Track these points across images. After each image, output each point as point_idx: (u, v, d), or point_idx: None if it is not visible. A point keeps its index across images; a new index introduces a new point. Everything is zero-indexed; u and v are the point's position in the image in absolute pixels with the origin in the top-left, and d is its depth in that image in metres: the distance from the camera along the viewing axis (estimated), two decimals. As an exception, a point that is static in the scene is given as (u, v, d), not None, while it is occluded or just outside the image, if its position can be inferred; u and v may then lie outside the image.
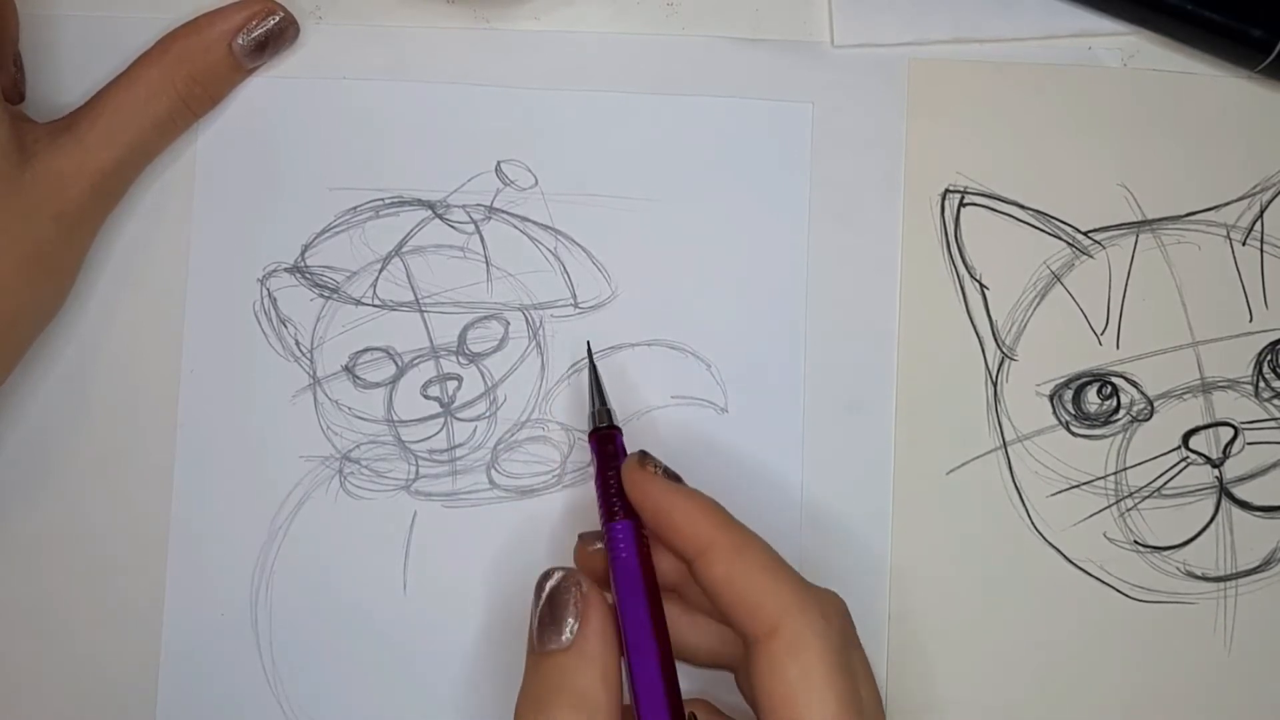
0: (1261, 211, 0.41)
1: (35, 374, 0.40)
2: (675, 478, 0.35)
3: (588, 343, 0.39)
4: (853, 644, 0.33)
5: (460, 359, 0.41)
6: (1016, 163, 0.41)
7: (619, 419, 0.38)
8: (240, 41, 0.39)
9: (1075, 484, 0.41)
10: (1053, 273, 0.41)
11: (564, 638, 0.32)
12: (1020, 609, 0.40)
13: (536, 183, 0.41)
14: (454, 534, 0.40)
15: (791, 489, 0.40)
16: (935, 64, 0.41)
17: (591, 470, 0.37)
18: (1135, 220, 0.41)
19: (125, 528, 0.40)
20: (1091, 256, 0.41)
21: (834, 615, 0.32)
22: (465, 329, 0.41)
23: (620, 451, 0.37)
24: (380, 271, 0.41)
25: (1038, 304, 0.41)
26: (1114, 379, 0.41)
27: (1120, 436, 0.41)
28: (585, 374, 0.40)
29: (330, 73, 0.41)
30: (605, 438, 0.37)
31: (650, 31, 0.41)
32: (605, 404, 0.38)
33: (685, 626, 0.36)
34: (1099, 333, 0.41)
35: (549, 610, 0.33)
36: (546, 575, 0.33)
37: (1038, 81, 0.41)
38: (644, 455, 0.35)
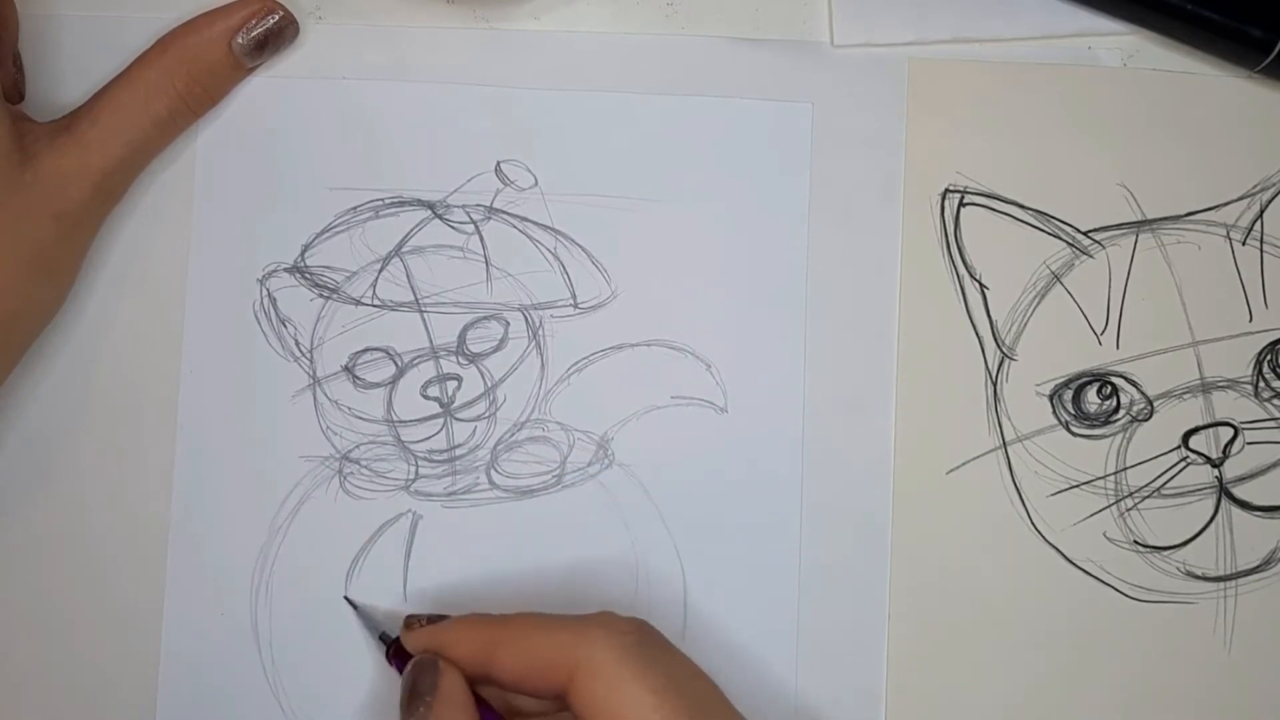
0: (1261, 211, 0.41)
1: (35, 374, 0.40)
2: (440, 618, 0.36)
3: (346, 598, 0.40)
4: (650, 642, 0.34)
5: (460, 359, 0.41)
6: (1016, 163, 0.41)
7: (391, 631, 0.38)
8: (240, 40, 0.39)
9: (1075, 484, 0.41)
10: (1053, 273, 0.41)
11: (421, 709, 0.33)
12: (1020, 609, 0.40)
13: (536, 183, 0.41)
14: (453, 534, 0.40)
15: (791, 489, 0.40)
16: (935, 64, 0.41)
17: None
18: (1135, 220, 0.41)
19: (125, 528, 0.40)
20: (1091, 256, 0.41)
21: (615, 627, 0.34)
22: (465, 329, 0.41)
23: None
24: (380, 271, 0.41)
25: (1038, 304, 0.41)
26: (1114, 379, 0.41)
27: (1120, 436, 0.41)
28: (583, 375, 0.40)
29: (330, 73, 0.41)
30: (399, 651, 0.37)
31: (650, 31, 0.41)
32: (381, 629, 0.39)
33: None
34: (1099, 333, 0.41)
35: (410, 687, 0.34)
36: (410, 662, 0.35)
37: (1038, 81, 0.41)
38: (408, 619, 0.36)
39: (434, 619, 0.36)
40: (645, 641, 0.34)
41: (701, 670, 0.34)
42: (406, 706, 0.34)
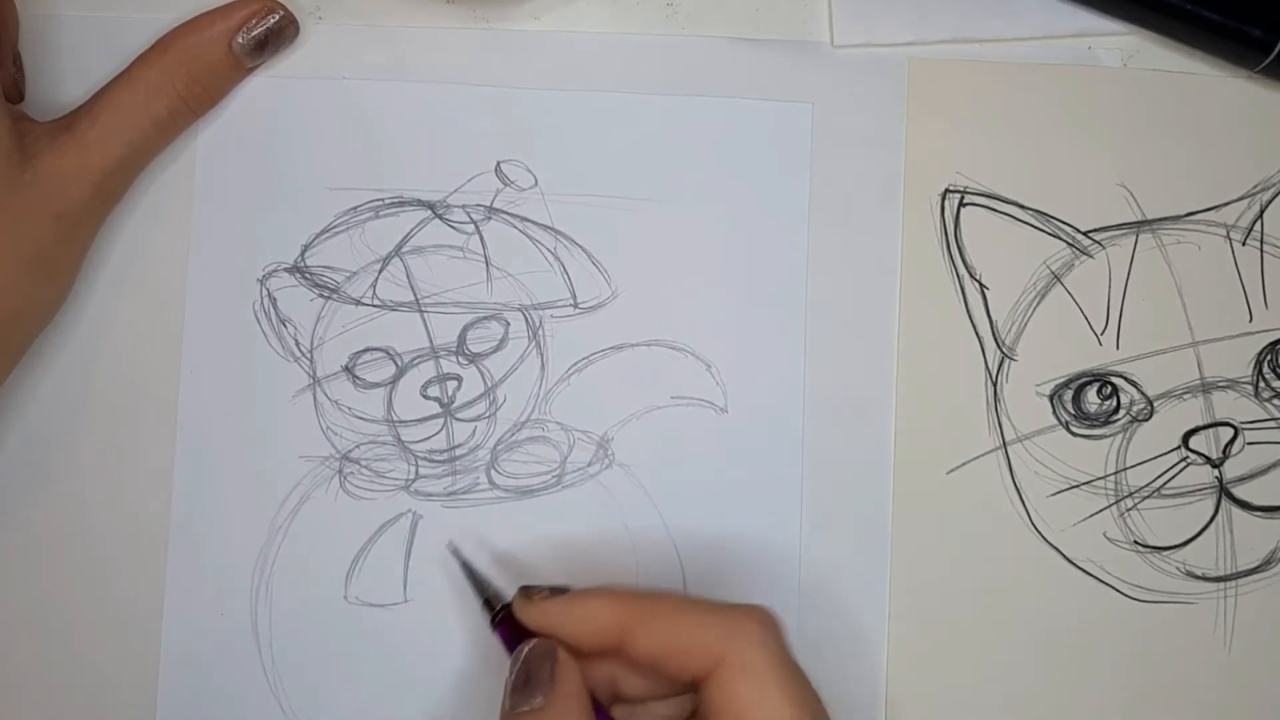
0: (1261, 211, 0.41)
1: (35, 374, 0.40)
2: (559, 590, 0.35)
3: (450, 542, 0.39)
4: (790, 648, 0.33)
5: (460, 359, 0.41)
6: (1016, 163, 0.41)
7: (506, 596, 0.37)
8: (240, 40, 0.39)
9: (1075, 484, 0.41)
10: (1053, 273, 0.41)
11: (536, 701, 0.32)
12: (1020, 609, 0.40)
13: (536, 183, 0.41)
14: (454, 534, 0.40)
15: (791, 489, 0.40)
16: (935, 64, 0.41)
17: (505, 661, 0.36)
18: (1135, 220, 0.41)
19: (125, 528, 0.40)
20: (1091, 256, 0.41)
21: (768, 626, 0.33)
22: (465, 329, 0.41)
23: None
24: (380, 271, 0.41)
25: (1038, 304, 0.41)
26: (1114, 379, 0.41)
27: (1120, 436, 0.41)
28: (583, 375, 0.40)
29: (330, 73, 0.41)
30: (508, 618, 0.36)
31: (650, 31, 0.41)
32: (490, 589, 0.38)
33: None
34: (1099, 333, 0.41)
35: (523, 675, 0.33)
36: (524, 644, 0.34)
37: (1038, 81, 0.41)
38: (523, 591, 0.35)
39: (556, 591, 0.35)
40: (789, 648, 0.33)
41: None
42: (518, 694, 0.33)
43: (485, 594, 0.38)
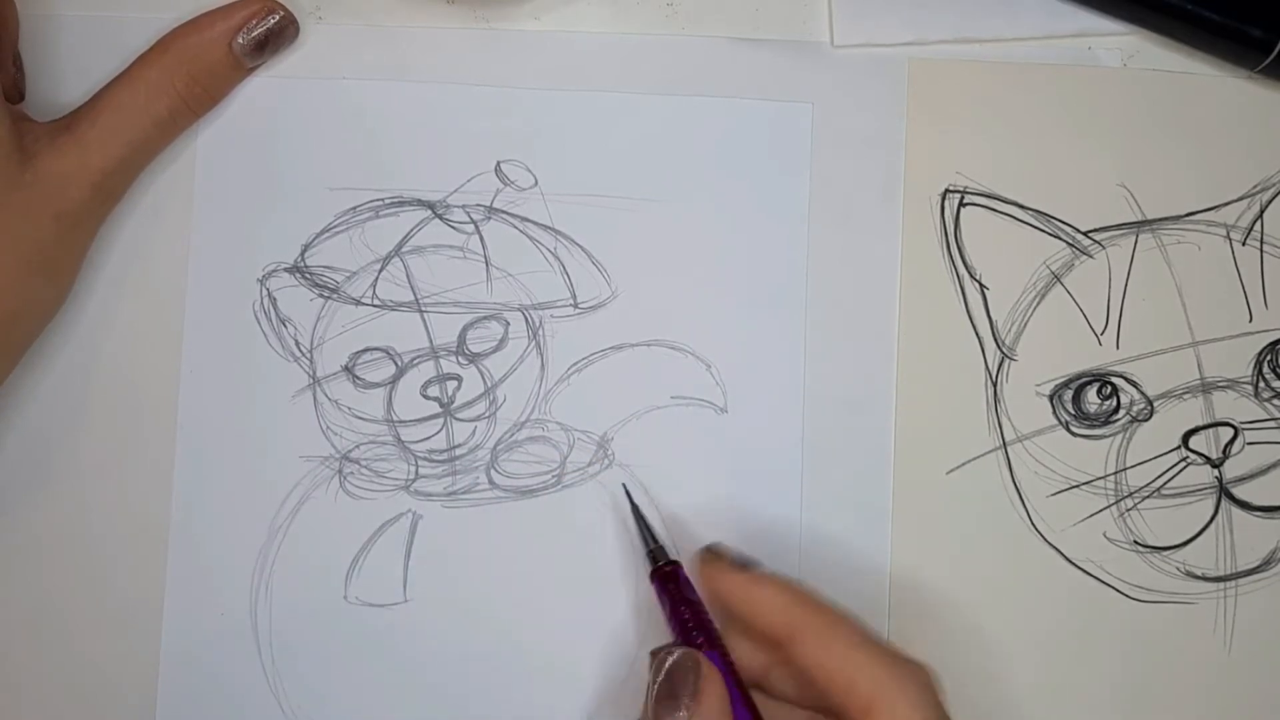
0: (1261, 211, 0.41)
1: (35, 374, 0.40)
2: (746, 563, 0.35)
3: (624, 485, 0.39)
4: (944, 717, 0.33)
5: (460, 359, 0.41)
6: (1016, 163, 0.41)
7: (674, 552, 0.37)
8: (240, 40, 0.39)
9: (1075, 484, 0.41)
10: (1053, 273, 0.41)
11: (680, 713, 0.32)
12: (1020, 609, 0.40)
13: (536, 183, 0.41)
14: (453, 534, 0.40)
15: (791, 489, 0.40)
16: (935, 64, 0.41)
17: (661, 611, 0.37)
18: (1135, 220, 0.41)
19: (125, 528, 0.40)
20: (1091, 256, 0.41)
21: (928, 689, 0.33)
22: (465, 329, 0.41)
23: (685, 585, 0.36)
24: (380, 271, 0.41)
25: (1038, 304, 0.41)
26: (1114, 379, 0.41)
27: (1120, 436, 0.41)
28: (583, 375, 0.40)
29: (330, 73, 0.41)
30: (668, 575, 0.37)
31: (650, 31, 0.41)
32: (658, 541, 0.38)
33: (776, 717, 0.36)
34: (1099, 333, 0.41)
35: (667, 685, 0.33)
36: (667, 652, 0.34)
37: (1038, 81, 0.41)
38: (713, 549, 0.35)
39: (743, 562, 0.34)
40: (943, 716, 0.33)
41: None
42: (661, 705, 0.33)
43: (651, 544, 0.38)
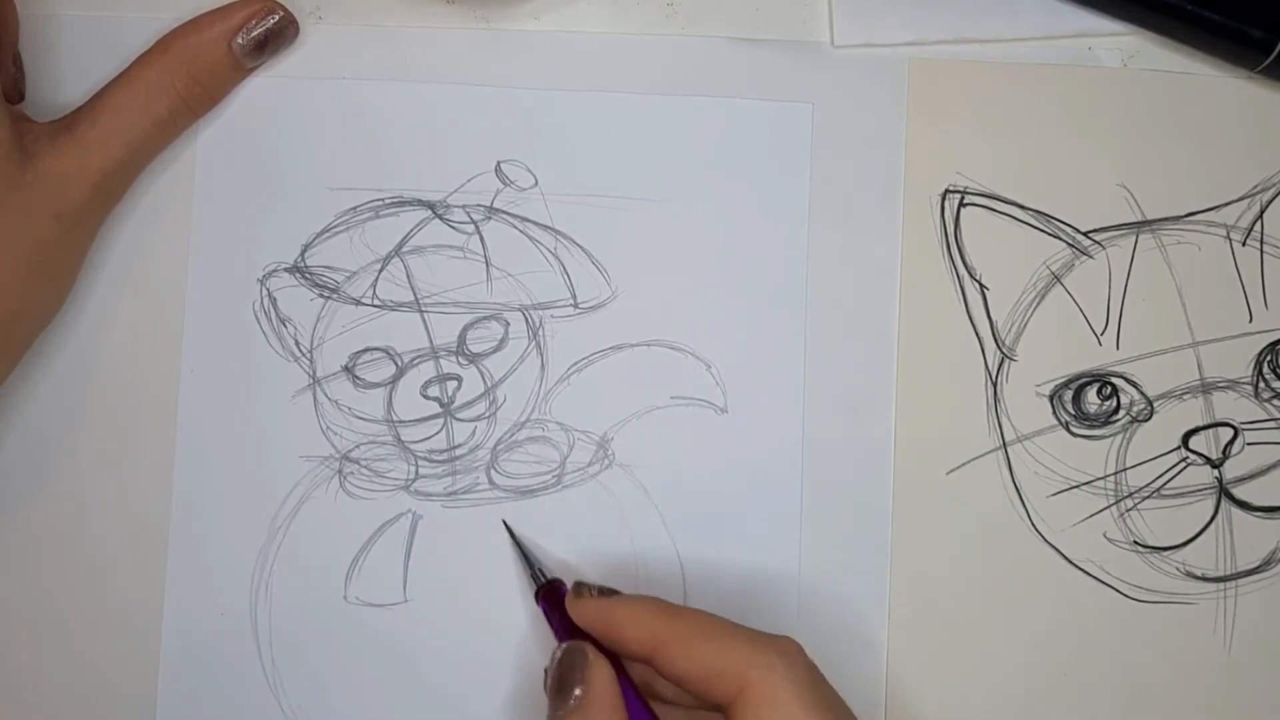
0: (1261, 211, 0.41)
1: (35, 374, 0.40)
2: (611, 593, 0.36)
3: (503, 520, 0.40)
4: (820, 681, 0.33)
5: (460, 359, 0.41)
6: (1016, 163, 0.41)
7: (551, 573, 0.39)
8: (240, 40, 0.39)
9: (1075, 484, 0.41)
10: (1053, 273, 0.41)
11: (570, 702, 0.33)
12: (1020, 609, 0.40)
13: (536, 183, 0.41)
14: (453, 534, 0.40)
15: (791, 489, 0.40)
16: (935, 64, 0.41)
17: (546, 627, 0.38)
18: (1135, 220, 0.41)
19: (125, 528, 0.40)
20: (1091, 257, 0.41)
21: (794, 656, 0.33)
22: (465, 329, 0.41)
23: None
24: (380, 271, 0.41)
25: (1038, 304, 0.41)
26: (1114, 379, 0.41)
27: (1120, 437, 0.41)
28: (583, 375, 0.40)
29: (330, 73, 0.41)
30: (550, 593, 0.37)
31: (650, 31, 0.41)
32: (537, 566, 0.39)
33: None
34: (1099, 333, 0.41)
35: (558, 677, 0.34)
36: (556, 648, 0.35)
37: (1038, 81, 0.41)
38: (578, 585, 0.36)
39: (605, 591, 0.36)
40: (819, 682, 0.33)
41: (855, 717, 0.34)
42: (554, 698, 0.34)
43: (533, 568, 0.39)
